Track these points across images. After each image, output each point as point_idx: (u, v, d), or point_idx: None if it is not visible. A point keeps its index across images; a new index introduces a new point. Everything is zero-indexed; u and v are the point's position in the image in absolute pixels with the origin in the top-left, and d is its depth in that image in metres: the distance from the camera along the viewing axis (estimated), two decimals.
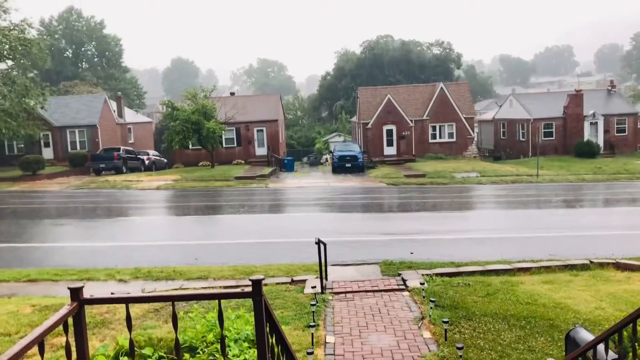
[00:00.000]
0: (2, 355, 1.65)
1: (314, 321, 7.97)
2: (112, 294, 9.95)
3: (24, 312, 9.14)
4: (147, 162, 42.30)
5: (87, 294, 2.19)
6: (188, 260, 13.23)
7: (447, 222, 19.14)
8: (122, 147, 41.42)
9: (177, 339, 2.12)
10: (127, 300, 2.13)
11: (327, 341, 7.57)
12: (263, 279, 2.12)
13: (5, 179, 35.88)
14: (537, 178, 31.63)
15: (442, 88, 45.14)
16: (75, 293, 2.06)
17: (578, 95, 44.17)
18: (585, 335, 3.80)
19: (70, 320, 2.11)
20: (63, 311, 1.96)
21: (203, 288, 10.11)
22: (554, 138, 44.48)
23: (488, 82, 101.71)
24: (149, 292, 9.90)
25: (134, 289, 10.81)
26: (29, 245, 16.17)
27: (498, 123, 51.30)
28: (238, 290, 2.05)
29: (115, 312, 8.92)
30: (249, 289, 2.29)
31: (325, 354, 7.11)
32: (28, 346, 1.75)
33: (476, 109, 56.77)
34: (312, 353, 6.54)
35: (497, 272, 10.94)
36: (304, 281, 10.78)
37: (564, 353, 4.34)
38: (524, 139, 45.75)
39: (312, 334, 7.44)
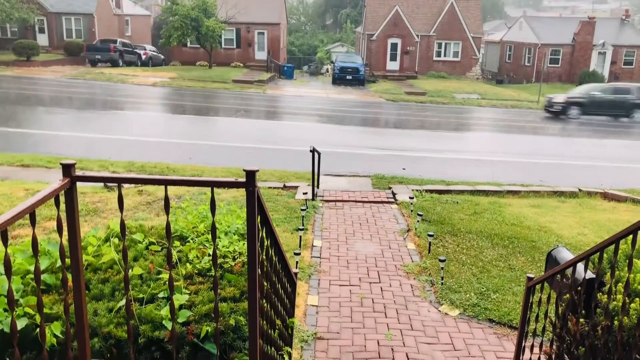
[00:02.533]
0: None
1: (303, 225, 8.14)
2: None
3: (17, 195, 9.24)
4: (143, 57, 41.32)
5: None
6: (182, 158, 13.26)
7: (442, 141, 19.15)
8: (119, 40, 40.27)
9: (168, 222, 2.13)
10: (120, 180, 2.12)
11: (314, 244, 7.77)
12: (257, 170, 2.11)
13: None
14: (538, 104, 31.36)
15: (452, 3, 43.57)
16: (68, 169, 2.04)
17: (590, 22, 42.85)
18: (566, 255, 3.90)
19: (62, 199, 2.11)
20: (55, 185, 1.96)
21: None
22: (559, 65, 43.64)
23: (499, 1, 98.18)
24: (143, 175, 10.00)
25: (128, 184, 10.90)
26: (22, 131, 16.10)
27: (505, 45, 50.04)
28: (232, 180, 2.07)
29: (107, 202, 9.05)
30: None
31: (311, 256, 7.32)
32: (19, 215, 1.75)
33: (484, 29, 55.12)
34: (299, 254, 6.73)
35: (486, 193, 11.09)
36: (295, 187, 10.91)
37: (543, 271, 4.48)
38: (529, 64, 44.87)
39: (301, 237, 7.62)
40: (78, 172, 2.05)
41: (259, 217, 2.26)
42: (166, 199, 2.10)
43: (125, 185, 10.53)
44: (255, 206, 2.16)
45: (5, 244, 1.68)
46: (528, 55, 45.09)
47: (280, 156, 14.33)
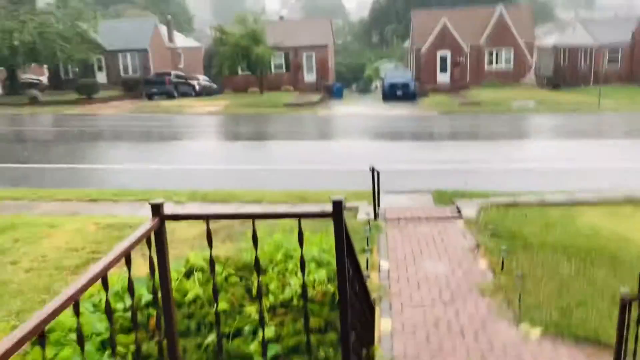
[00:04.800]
0: (93, 267, 1.65)
1: (367, 246, 8.02)
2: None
3: (88, 229, 9.56)
4: (197, 87, 42.51)
5: (145, 214, 2.18)
6: (241, 184, 13.43)
7: (502, 151, 18.64)
8: (172, 72, 41.67)
9: (256, 257, 2.10)
10: (208, 217, 2.11)
11: (381, 266, 7.63)
12: (344, 199, 2.05)
13: (62, 102, 36.92)
14: (599, 108, 30.19)
15: (501, 12, 42.87)
16: (157, 209, 2.05)
17: None
18: None
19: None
20: (146, 226, 1.96)
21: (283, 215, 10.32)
22: (619, 66, 41.98)
23: (549, 5, 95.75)
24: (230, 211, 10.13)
25: (191, 210, 11.11)
26: (89, 166, 16.77)
27: (559, 49, 48.67)
28: (318, 211, 2.05)
29: (174, 233, 9.21)
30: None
31: (380, 278, 7.18)
32: (116, 259, 1.75)
33: (536, 34, 53.86)
34: (368, 277, 6.62)
35: (555, 204, 10.64)
36: (356, 208, 10.80)
37: (638, 286, 4.19)
38: (586, 67, 43.40)
39: (367, 258, 7.50)
40: (167, 211, 2.05)
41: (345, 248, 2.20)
42: (254, 234, 2.07)
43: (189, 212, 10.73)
44: (343, 237, 2.10)
45: (106, 289, 1.68)
46: (584, 57, 43.65)
47: (337, 176, 14.31)
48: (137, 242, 1.87)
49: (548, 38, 56.63)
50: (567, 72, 46.64)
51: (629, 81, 41.09)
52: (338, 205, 2.07)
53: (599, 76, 36.21)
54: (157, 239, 2.08)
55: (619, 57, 41.93)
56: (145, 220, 2.15)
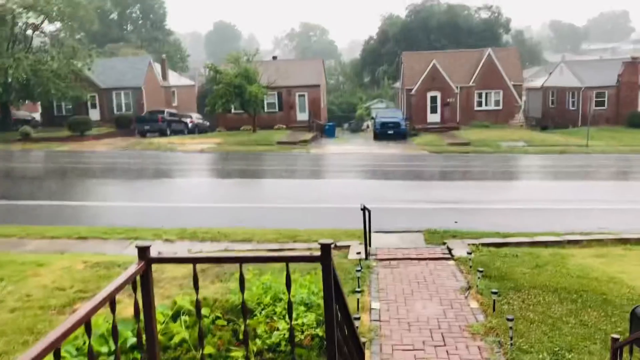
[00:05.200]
0: (77, 312, 1.62)
1: (359, 287, 7.94)
2: (173, 253, 10.11)
3: (76, 268, 9.43)
4: (190, 125, 42.67)
5: (134, 252, 2.16)
6: (231, 222, 13.36)
7: (492, 191, 18.75)
8: (166, 110, 41.88)
9: (243, 301, 2.08)
10: (195, 261, 2.09)
11: (372, 307, 7.55)
12: (332, 243, 2.05)
13: (55, 138, 36.92)
14: (587, 148, 30.59)
15: (489, 54, 43.72)
16: (143, 252, 2.03)
17: (634, 62, 42.10)
18: None
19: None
20: (132, 270, 1.94)
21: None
22: (605, 107, 42.71)
23: (537, 48, 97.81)
24: (219, 253, 10.03)
25: (180, 249, 11.01)
26: (79, 203, 16.65)
27: (547, 91, 49.53)
28: (307, 255, 2.02)
29: (163, 271, 9.09)
30: (306, 253, 2.24)
31: (370, 320, 7.10)
32: (100, 304, 1.73)
33: (524, 76, 54.87)
34: (358, 318, 6.52)
35: (545, 244, 10.67)
36: (347, 247, 10.76)
37: (628, 331, 4.17)
38: (573, 108, 44.11)
39: (358, 299, 7.42)
40: (154, 253, 2.04)
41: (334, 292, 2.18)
42: (241, 278, 2.05)
43: (179, 253, 10.62)
44: (331, 282, 2.08)
45: (89, 335, 1.65)
46: (572, 99, 44.42)
47: (328, 214, 14.28)
48: (121, 286, 1.85)
49: (536, 80, 57.70)
50: (555, 114, 47.38)
51: (616, 123, 41.74)
52: (326, 249, 2.06)
53: (586, 117, 36.80)
54: (143, 282, 2.06)
55: (606, 99, 42.71)
56: (133, 259, 2.14)
